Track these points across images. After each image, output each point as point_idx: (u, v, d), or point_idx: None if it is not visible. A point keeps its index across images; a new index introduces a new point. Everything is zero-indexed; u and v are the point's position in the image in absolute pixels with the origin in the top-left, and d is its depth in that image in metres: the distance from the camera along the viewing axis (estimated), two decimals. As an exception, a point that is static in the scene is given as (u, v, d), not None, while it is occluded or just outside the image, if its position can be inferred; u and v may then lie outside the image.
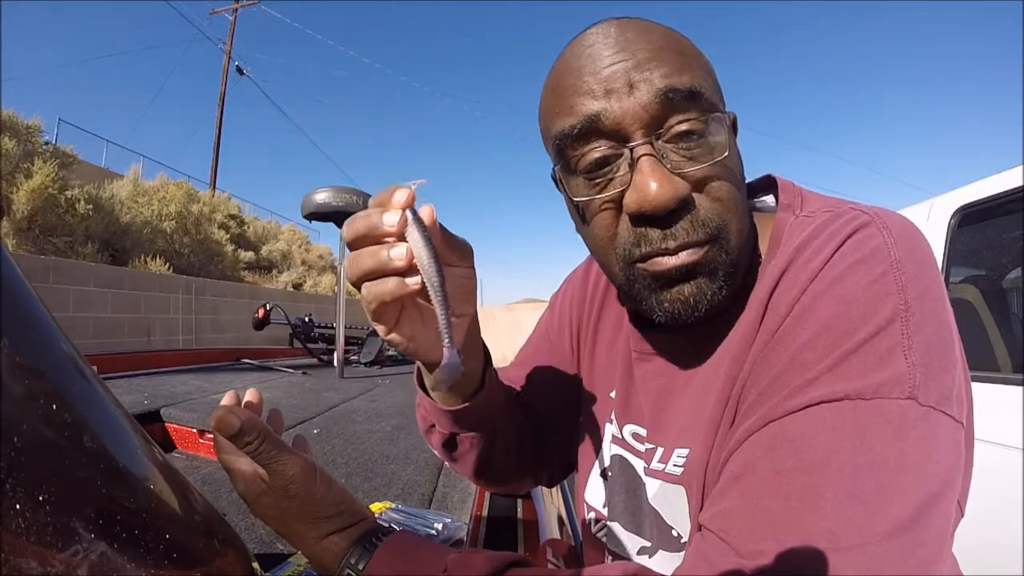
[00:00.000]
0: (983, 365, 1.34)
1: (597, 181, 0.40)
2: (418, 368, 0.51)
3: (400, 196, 0.35)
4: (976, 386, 1.26)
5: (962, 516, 0.40)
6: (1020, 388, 1.20)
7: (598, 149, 0.39)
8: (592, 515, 0.55)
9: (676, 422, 0.46)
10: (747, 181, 0.49)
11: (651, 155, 0.37)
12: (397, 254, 0.35)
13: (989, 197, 1.38)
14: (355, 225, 0.36)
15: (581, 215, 0.43)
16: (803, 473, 0.31)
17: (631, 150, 0.38)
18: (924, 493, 0.30)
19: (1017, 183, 1.30)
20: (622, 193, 0.39)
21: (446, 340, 0.38)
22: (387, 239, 0.36)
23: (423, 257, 0.36)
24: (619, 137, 0.38)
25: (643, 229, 0.39)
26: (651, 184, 0.36)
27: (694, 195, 0.38)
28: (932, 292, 0.34)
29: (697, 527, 0.36)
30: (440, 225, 0.39)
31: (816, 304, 0.35)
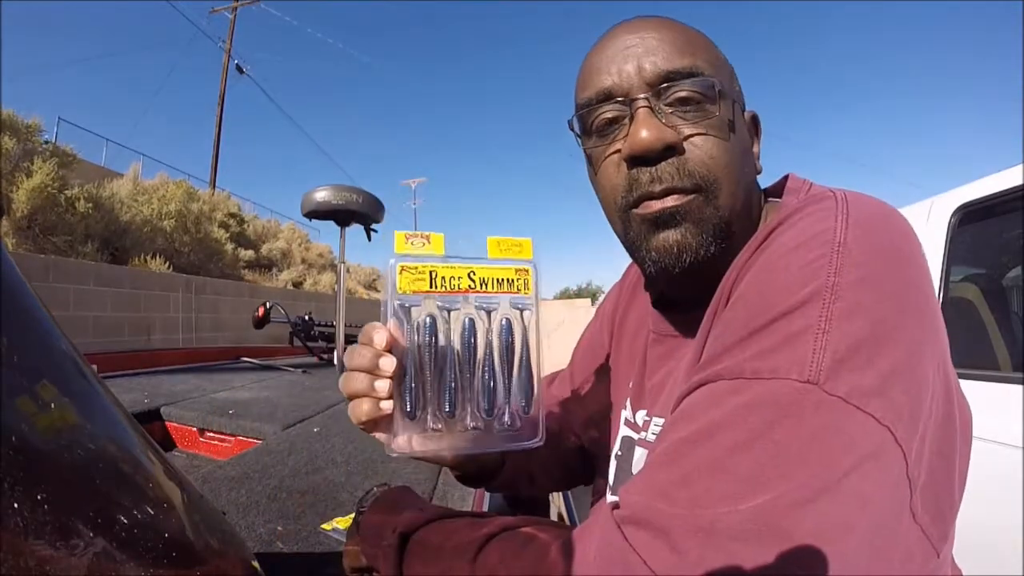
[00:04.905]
0: (983, 364, 1.34)
1: (606, 135, 0.45)
2: None
3: (380, 337, 0.39)
4: (976, 385, 1.27)
5: (950, 543, 0.37)
6: (1020, 388, 1.19)
7: (610, 110, 0.44)
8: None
9: (664, 395, 0.49)
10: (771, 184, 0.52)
11: (647, 107, 0.42)
12: (381, 386, 0.39)
13: (989, 196, 1.38)
14: (355, 360, 0.40)
15: (594, 168, 0.48)
16: (688, 444, 0.32)
17: (632, 104, 0.43)
18: (804, 486, 0.27)
19: (1017, 182, 1.30)
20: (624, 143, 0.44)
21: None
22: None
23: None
24: (626, 100, 0.43)
25: (635, 172, 0.43)
26: (642, 130, 0.41)
27: (685, 146, 0.42)
28: (880, 284, 0.32)
29: None
30: None
31: (746, 287, 0.36)
